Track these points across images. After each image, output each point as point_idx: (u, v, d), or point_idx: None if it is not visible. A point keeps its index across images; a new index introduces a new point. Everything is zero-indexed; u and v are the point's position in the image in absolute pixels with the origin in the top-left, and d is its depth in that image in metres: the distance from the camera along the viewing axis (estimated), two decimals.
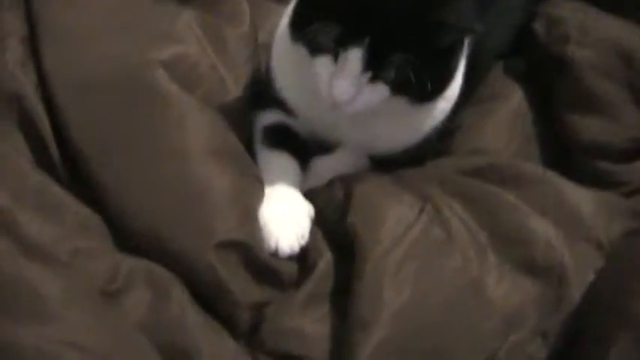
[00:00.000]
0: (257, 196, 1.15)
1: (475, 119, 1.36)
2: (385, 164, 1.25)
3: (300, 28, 1.12)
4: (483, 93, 1.39)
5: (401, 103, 1.13)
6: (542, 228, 1.15)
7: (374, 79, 1.09)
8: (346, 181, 1.19)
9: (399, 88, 1.10)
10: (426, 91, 1.11)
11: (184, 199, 1.12)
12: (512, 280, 1.12)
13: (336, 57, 1.09)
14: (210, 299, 1.08)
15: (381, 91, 1.10)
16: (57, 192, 1.13)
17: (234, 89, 1.28)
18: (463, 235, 1.14)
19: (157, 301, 1.05)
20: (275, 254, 1.11)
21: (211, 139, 1.17)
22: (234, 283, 1.08)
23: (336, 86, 1.09)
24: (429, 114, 1.21)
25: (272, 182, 1.18)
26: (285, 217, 1.13)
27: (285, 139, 1.24)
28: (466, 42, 1.18)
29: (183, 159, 1.14)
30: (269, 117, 1.26)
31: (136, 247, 1.11)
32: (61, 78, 1.19)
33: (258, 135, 1.26)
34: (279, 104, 1.24)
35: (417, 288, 1.07)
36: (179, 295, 1.06)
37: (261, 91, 1.27)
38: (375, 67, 1.08)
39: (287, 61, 1.21)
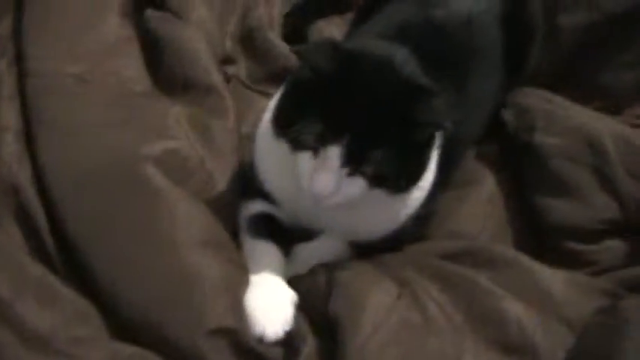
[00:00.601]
0: (243, 283, 1.21)
1: (450, 204, 1.42)
2: (366, 250, 1.31)
3: (282, 124, 1.19)
4: (458, 179, 1.46)
5: (378, 194, 1.19)
6: (514, 309, 1.20)
7: (352, 173, 1.15)
8: (328, 268, 1.24)
9: (376, 181, 1.16)
10: (402, 183, 1.19)
11: (175, 288, 1.17)
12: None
13: (316, 152, 1.15)
14: None
15: (359, 184, 1.17)
16: (54, 282, 1.19)
17: (222, 180, 1.36)
18: (440, 318, 1.19)
19: None
20: (261, 340, 1.15)
21: (200, 229, 1.23)
22: None
23: (316, 180, 1.15)
24: (405, 203, 1.27)
25: (256, 270, 1.24)
26: (270, 304, 1.18)
27: (269, 228, 1.30)
28: (438, 134, 1.24)
29: (174, 249, 1.20)
30: (253, 207, 1.32)
31: (130, 335, 1.16)
32: (55, 171, 1.27)
33: (243, 224, 1.31)
34: (263, 195, 1.31)
35: None
36: None
37: (246, 182, 1.34)
38: (353, 163, 1.14)
39: (269, 155, 1.28)
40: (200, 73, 1.47)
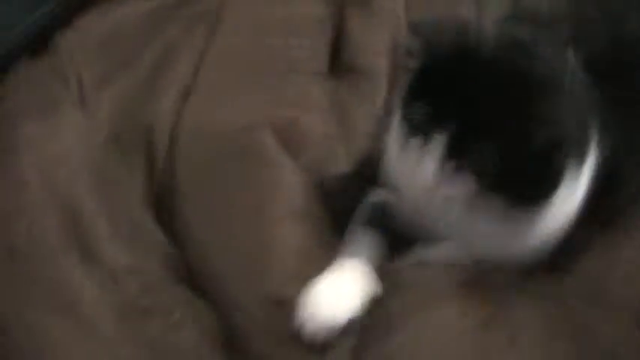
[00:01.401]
0: (322, 261, 1.14)
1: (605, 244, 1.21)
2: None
3: (402, 106, 1.11)
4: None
5: (498, 205, 1.07)
6: None
7: (459, 169, 1.05)
8: None
9: (485, 182, 1.05)
10: (518, 191, 1.06)
11: (249, 253, 1.15)
12: None
13: (425, 141, 1.06)
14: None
15: (467, 182, 1.06)
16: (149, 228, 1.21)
17: (345, 161, 1.28)
18: None
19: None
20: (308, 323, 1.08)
21: (294, 201, 1.20)
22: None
23: (418, 170, 1.07)
24: (531, 224, 1.12)
25: (346, 255, 1.16)
26: (336, 292, 1.10)
27: (383, 219, 1.21)
28: (591, 155, 1.10)
29: (261, 216, 1.17)
30: (375, 195, 1.23)
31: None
32: (186, 123, 1.29)
33: (357, 212, 1.23)
34: (387, 184, 1.21)
35: None
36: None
37: (374, 169, 1.24)
38: (459, 156, 1.05)
39: (397, 144, 1.17)
40: (365, 59, 1.43)
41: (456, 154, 1.04)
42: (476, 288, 1.14)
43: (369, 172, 1.26)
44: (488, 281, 1.15)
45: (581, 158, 1.10)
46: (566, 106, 1.03)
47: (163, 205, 1.24)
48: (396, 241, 1.19)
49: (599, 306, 1.13)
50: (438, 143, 1.04)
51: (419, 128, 1.07)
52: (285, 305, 1.09)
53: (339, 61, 1.44)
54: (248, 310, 1.10)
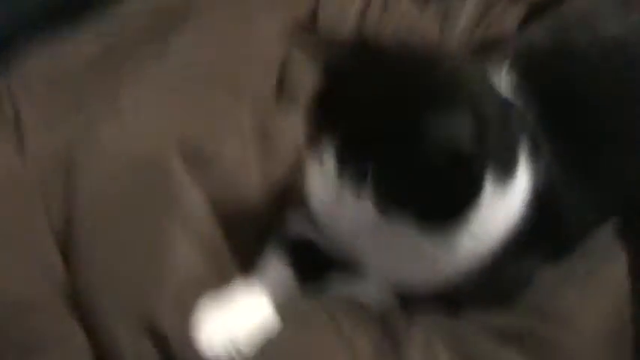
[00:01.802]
0: (209, 290, 1.05)
1: (553, 279, 1.08)
2: (415, 305, 1.05)
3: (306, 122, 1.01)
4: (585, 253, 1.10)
5: (412, 233, 0.95)
6: None
7: (357, 191, 0.94)
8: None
9: (383, 205, 0.94)
10: (425, 209, 0.93)
11: (135, 278, 1.07)
12: None
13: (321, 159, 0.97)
14: None
15: (366, 206, 0.94)
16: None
17: (259, 190, 1.19)
18: None
19: None
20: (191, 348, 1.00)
21: (195, 225, 1.12)
22: None
23: (314, 190, 1.00)
24: (448, 250, 0.99)
25: (248, 283, 1.07)
26: (227, 318, 1.01)
27: (299, 254, 1.10)
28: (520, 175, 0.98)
29: (159, 234, 1.10)
30: (293, 226, 1.12)
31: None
32: (95, 149, 1.22)
33: (276, 237, 1.12)
34: (306, 211, 1.09)
35: None
36: None
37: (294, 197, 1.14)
38: (347, 173, 0.94)
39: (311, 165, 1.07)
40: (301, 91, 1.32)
41: (345, 170, 0.94)
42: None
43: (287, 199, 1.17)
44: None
45: (505, 176, 0.98)
46: (454, 122, 0.90)
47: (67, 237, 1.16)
48: (314, 270, 1.09)
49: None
50: (328, 159, 0.95)
51: (315, 135, 0.97)
52: (160, 338, 1.01)
53: (281, 93, 1.36)
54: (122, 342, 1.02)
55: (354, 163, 0.92)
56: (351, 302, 1.04)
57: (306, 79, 1.23)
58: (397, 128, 0.90)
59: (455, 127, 0.88)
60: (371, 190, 0.92)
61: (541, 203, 1.01)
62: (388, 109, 0.91)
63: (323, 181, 0.97)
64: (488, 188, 0.95)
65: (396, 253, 1.00)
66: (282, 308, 1.03)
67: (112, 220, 1.11)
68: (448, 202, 0.94)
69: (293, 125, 1.23)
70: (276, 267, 1.07)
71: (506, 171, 0.97)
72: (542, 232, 1.02)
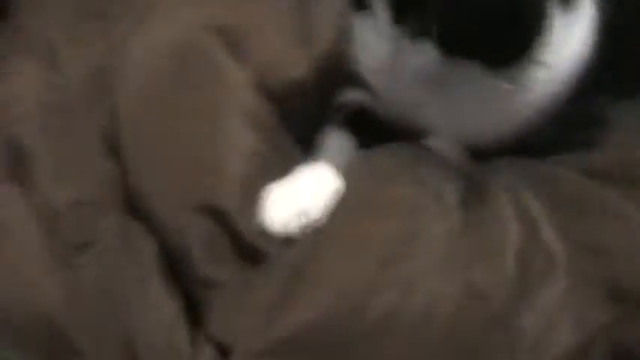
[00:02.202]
0: (272, 169, 1.00)
1: (629, 117, 1.05)
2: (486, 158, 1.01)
3: None
4: None
5: (479, 73, 0.91)
6: None
7: (415, 34, 0.89)
8: None
9: (449, 43, 0.89)
10: (491, 48, 0.89)
11: (191, 150, 1.01)
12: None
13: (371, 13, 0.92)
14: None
15: (428, 49, 0.89)
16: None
17: (305, 65, 1.13)
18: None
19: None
20: (262, 230, 0.94)
21: (245, 103, 1.06)
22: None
23: (372, 49, 0.93)
24: (519, 86, 0.94)
25: (311, 160, 1.02)
26: (296, 195, 0.95)
27: (354, 119, 1.06)
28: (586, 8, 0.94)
29: (207, 118, 1.04)
30: (345, 96, 1.08)
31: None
32: (132, 49, 1.15)
33: (332, 113, 1.08)
34: (361, 80, 1.05)
35: None
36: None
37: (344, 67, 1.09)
38: (407, 18, 0.89)
39: (358, 25, 1.02)
40: None
41: (405, 16, 0.89)
42: None
43: (335, 74, 1.12)
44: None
45: (568, 2, 0.93)
46: None
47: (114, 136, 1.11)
48: (377, 141, 1.03)
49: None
50: (383, 8, 0.90)
51: (361, 1, 0.93)
52: (222, 214, 0.96)
53: None
54: (183, 224, 0.97)
55: (412, 7, 0.88)
56: (430, 155, 0.98)
57: None
58: None
59: None
60: (434, 33, 0.87)
61: (608, 34, 0.97)
62: None
63: (376, 36, 0.92)
64: (556, 14, 0.91)
65: (465, 102, 0.96)
66: (358, 167, 0.97)
67: (160, 113, 1.06)
68: (517, 32, 0.89)
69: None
70: (338, 141, 1.03)
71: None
72: (613, 65, 0.98)
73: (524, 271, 0.89)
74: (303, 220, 0.93)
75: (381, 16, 0.90)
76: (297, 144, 1.08)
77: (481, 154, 1.01)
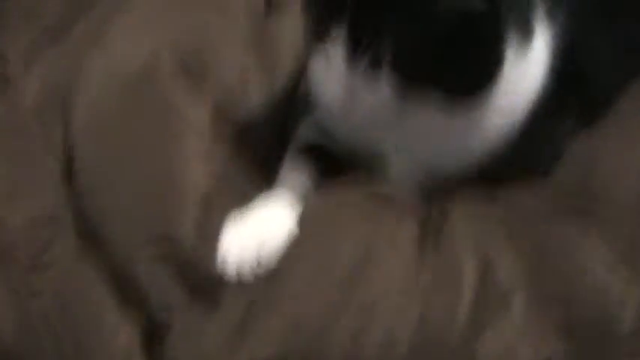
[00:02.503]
0: (226, 207, 0.99)
1: (589, 153, 1.03)
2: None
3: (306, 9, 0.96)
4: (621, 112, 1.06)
5: (436, 108, 0.92)
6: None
7: (372, 68, 0.90)
8: None
9: (405, 78, 0.89)
10: (444, 83, 0.89)
11: (146, 194, 1.01)
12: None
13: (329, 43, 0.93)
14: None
15: (384, 84, 0.90)
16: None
17: (263, 91, 1.14)
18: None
19: None
20: (217, 269, 0.94)
21: (199, 137, 1.06)
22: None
23: (327, 87, 0.94)
24: (479, 119, 0.94)
25: (271, 192, 1.01)
26: (253, 232, 0.94)
27: (317, 149, 1.05)
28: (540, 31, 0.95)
29: (162, 153, 1.04)
30: (304, 135, 1.07)
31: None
32: (90, 73, 1.16)
33: (289, 148, 1.07)
34: (317, 119, 1.05)
35: None
36: None
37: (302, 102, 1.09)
38: (361, 52, 0.89)
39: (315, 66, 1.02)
40: None
41: (360, 50, 0.89)
42: None
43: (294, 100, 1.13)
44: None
45: (524, 34, 0.94)
46: None
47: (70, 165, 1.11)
48: (337, 166, 1.03)
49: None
50: (338, 43, 0.90)
51: (319, 29, 0.93)
52: (176, 243, 0.96)
53: (269, 6, 1.31)
54: (138, 252, 0.97)
55: (366, 47, 0.88)
56: (382, 197, 0.97)
57: None
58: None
59: None
60: (388, 72, 0.88)
61: (563, 63, 0.96)
62: None
63: (332, 74, 0.92)
64: (509, 50, 0.91)
65: (420, 138, 0.96)
66: (310, 210, 0.96)
67: (114, 146, 1.06)
68: (471, 69, 0.90)
69: (288, 30, 1.21)
70: (296, 175, 1.02)
71: (524, 29, 0.93)
72: (568, 94, 0.98)
73: (479, 303, 0.89)
74: (256, 265, 0.93)
75: (336, 53, 0.90)
76: (255, 172, 1.07)
77: (439, 183, 1.01)
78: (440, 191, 1.00)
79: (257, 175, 1.05)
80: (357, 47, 0.89)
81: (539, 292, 0.88)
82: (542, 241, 0.93)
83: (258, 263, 0.92)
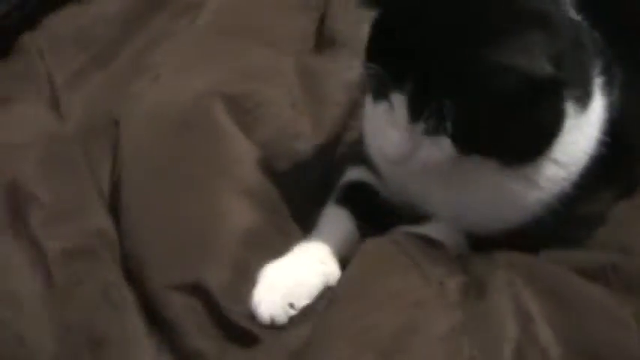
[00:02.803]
0: (269, 247, 0.99)
1: (629, 213, 1.05)
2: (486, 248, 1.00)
3: (363, 69, 0.95)
4: None
5: (491, 167, 0.93)
6: None
7: (432, 131, 0.90)
8: None
9: (463, 143, 0.90)
10: (505, 147, 0.91)
11: (192, 229, 1.01)
12: None
13: (388, 105, 0.93)
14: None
15: (444, 146, 0.91)
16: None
17: (312, 133, 1.14)
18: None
19: None
20: (251, 315, 0.93)
21: (245, 178, 1.06)
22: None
23: (385, 137, 0.93)
24: (532, 183, 0.96)
25: (309, 237, 1.01)
26: (286, 280, 0.94)
27: (358, 198, 1.06)
28: (596, 101, 0.96)
29: (209, 191, 1.04)
30: (351, 174, 1.08)
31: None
32: (142, 106, 1.17)
33: (334, 191, 1.08)
34: (368, 161, 1.06)
35: None
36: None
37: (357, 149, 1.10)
38: (423, 115, 0.90)
39: (370, 110, 1.03)
40: (344, 26, 1.29)
41: (419, 115, 0.90)
42: None
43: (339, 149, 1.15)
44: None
45: (584, 100, 0.95)
46: (524, 42, 0.87)
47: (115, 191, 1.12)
48: (378, 221, 1.04)
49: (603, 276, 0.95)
50: (399, 103, 0.91)
51: (379, 91, 0.93)
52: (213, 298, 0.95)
53: (321, 37, 1.32)
54: (174, 300, 0.96)
55: (429, 104, 0.88)
56: (432, 246, 0.97)
57: (351, 18, 1.23)
58: (473, 60, 0.86)
59: (532, 53, 0.86)
60: (450, 129, 0.89)
61: (615, 133, 0.98)
62: (460, 40, 0.87)
63: (390, 124, 0.92)
64: (570, 114, 0.93)
65: (474, 194, 0.97)
66: (359, 256, 0.96)
67: (161, 180, 1.06)
68: (532, 132, 0.91)
69: (339, 68, 1.22)
70: (338, 219, 1.03)
71: (584, 95, 0.95)
72: (617, 164, 1.00)
73: None
74: (291, 312, 0.93)
75: (397, 109, 0.91)
76: (297, 219, 1.07)
77: (480, 242, 1.01)
78: (479, 245, 1.01)
79: (301, 219, 1.06)
80: (418, 113, 0.90)
81: (578, 351, 0.88)
82: (584, 308, 0.92)
83: (292, 311, 0.93)
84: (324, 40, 1.31)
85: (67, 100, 1.28)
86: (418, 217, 1.04)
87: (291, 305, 0.93)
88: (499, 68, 0.86)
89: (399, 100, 0.90)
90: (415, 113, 0.90)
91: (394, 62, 0.90)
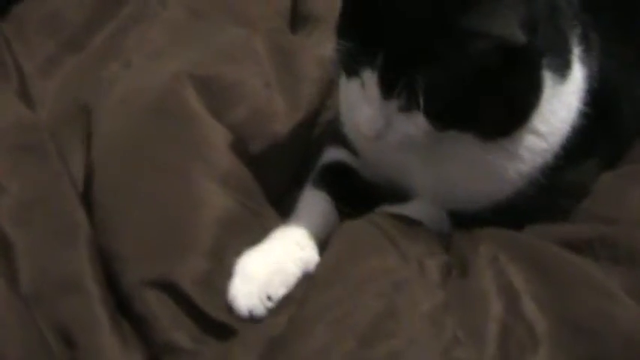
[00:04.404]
0: (246, 233, 0.97)
1: (616, 184, 1.02)
2: (472, 224, 0.97)
3: (335, 45, 0.93)
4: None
5: (469, 141, 0.91)
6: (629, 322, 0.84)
7: (405, 106, 0.88)
8: None
9: (436, 117, 0.88)
10: (480, 121, 0.89)
11: (166, 218, 0.97)
12: None
13: (360, 81, 0.91)
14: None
15: (418, 121, 0.88)
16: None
17: (288, 112, 1.11)
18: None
19: None
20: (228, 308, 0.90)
21: (219, 163, 1.03)
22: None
23: (358, 114, 0.91)
24: (512, 155, 0.94)
25: (288, 222, 0.98)
26: (261, 271, 0.91)
27: (336, 180, 1.04)
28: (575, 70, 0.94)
29: (184, 178, 1.00)
30: (328, 155, 1.06)
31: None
32: (112, 95, 1.14)
33: (312, 172, 1.06)
34: (345, 141, 1.04)
35: None
36: None
37: (332, 127, 1.08)
38: (395, 90, 0.87)
39: (343, 87, 1.01)
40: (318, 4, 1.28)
41: (390, 89, 0.88)
42: None
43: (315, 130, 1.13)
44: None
45: (562, 68, 0.93)
46: (492, 9, 0.84)
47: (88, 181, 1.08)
48: (358, 203, 1.01)
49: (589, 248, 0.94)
50: (371, 80, 0.89)
51: (351, 68, 0.91)
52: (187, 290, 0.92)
53: (296, 15, 1.31)
54: (148, 296, 0.93)
55: (400, 79, 0.86)
56: (412, 226, 0.95)
57: None
58: (443, 29, 0.84)
59: (505, 19, 0.83)
60: (423, 104, 0.86)
61: (597, 99, 0.96)
62: (429, 10, 0.85)
63: (364, 102, 0.90)
64: (548, 83, 0.91)
65: (454, 169, 0.95)
66: (338, 239, 0.94)
67: (134, 169, 1.03)
68: (509, 103, 0.88)
69: (314, 44, 1.20)
70: (317, 203, 1.01)
71: (562, 64, 0.93)
72: (601, 132, 0.98)
73: (505, 346, 0.86)
74: (269, 304, 0.90)
75: (369, 85, 0.89)
76: (274, 202, 1.05)
77: (463, 219, 0.99)
78: (462, 222, 0.99)
79: (278, 202, 1.04)
80: (390, 89, 0.88)
81: (565, 330, 0.86)
82: (568, 279, 0.90)
83: (270, 304, 0.90)
84: (298, 18, 1.29)
85: (40, 87, 1.25)
86: (399, 197, 1.02)
87: (269, 297, 0.90)
88: (469, 36, 0.84)
89: (370, 77, 0.88)
90: (387, 89, 0.88)
91: (364, 38, 0.88)
